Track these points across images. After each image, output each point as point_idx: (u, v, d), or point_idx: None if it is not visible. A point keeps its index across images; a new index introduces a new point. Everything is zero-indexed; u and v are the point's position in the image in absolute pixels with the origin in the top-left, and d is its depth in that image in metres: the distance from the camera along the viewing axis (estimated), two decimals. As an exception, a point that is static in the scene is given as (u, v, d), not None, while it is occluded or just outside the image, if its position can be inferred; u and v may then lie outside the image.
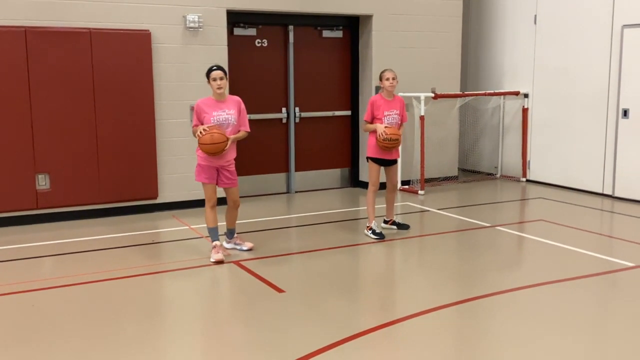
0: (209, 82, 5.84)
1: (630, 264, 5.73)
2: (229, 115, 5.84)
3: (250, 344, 4.25)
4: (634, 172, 8.40)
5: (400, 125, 6.75)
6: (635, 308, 4.76)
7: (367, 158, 6.75)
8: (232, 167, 5.99)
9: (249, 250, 6.24)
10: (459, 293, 5.12)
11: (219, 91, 5.79)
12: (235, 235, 6.32)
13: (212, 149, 5.69)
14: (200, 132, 5.68)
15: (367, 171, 6.79)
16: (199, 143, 5.71)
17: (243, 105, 5.99)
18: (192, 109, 6.59)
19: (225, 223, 6.21)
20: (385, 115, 6.57)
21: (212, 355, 4.15)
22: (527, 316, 4.60)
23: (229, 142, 5.77)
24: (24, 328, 4.46)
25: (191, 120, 6.81)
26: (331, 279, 5.52)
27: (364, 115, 6.84)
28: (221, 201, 6.22)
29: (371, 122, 6.65)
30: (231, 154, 5.94)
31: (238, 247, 6.27)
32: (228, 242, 6.31)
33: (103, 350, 4.09)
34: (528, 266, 6.00)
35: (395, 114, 6.63)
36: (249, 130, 6.02)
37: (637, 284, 5.33)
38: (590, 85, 8.88)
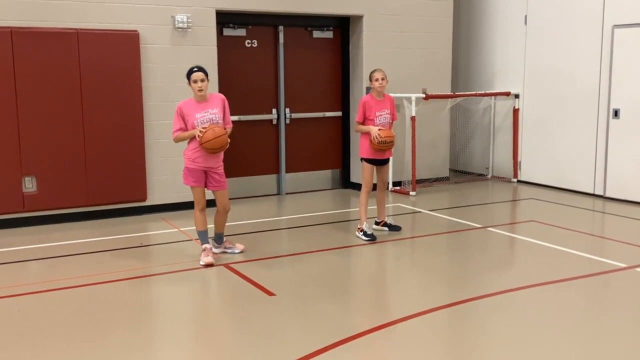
0: (189, 83, 5.73)
1: (622, 265, 5.72)
2: (213, 115, 5.73)
3: (240, 348, 4.19)
4: (625, 173, 8.41)
5: (391, 124, 6.74)
6: (627, 309, 4.74)
7: (361, 159, 6.73)
8: (221, 170, 5.90)
9: (241, 252, 6.18)
10: (451, 295, 5.08)
11: (200, 93, 5.68)
12: (225, 239, 6.24)
13: (216, 143, 5.55)
14: (200, 132, 5.56)
15: (360, 172, 6.75)
16: (202, 142, 5.55)
17: (227, 103, 5.90)
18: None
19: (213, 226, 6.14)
20: (377, 116, 6.56)
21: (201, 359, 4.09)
22: (520, 318, 4.57)
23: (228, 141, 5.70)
24: (9, 333, 4.38)
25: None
26: (322, 281, 5.47)
27: (355, 116, 6.81)
28: (211, 203, 6.16)
29: (363, 123, 6.62)
30: (221, 155, 5.87)
31: (229, 251, 6.20)
32: (217, 248, 6.19)
33: (91, 355, 4.02)
34: (520, 267, 5.98)
35: (386, 114, 6.63)
36: (231, 126, 5.95)
37: (629, 284, 5.31)
38: (581, 86, 8.88)
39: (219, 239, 6.18)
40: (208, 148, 5.59)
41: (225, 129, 5.79)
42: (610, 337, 4.28)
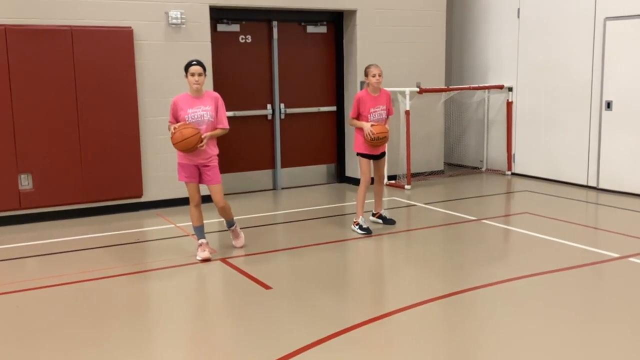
0: (186, 76, 5.75)
1: (615, 255, 5.77)
2: (205, 111, 5.74)
3: (237, 341, 4.22)
4: (618, 164, 8.46)
5: (387, 119, 6.76)
6: (621, 298, 4.79)
7: (357, 154, 6.75)
8: (213, 163, 5.88)
9: (240, 247, 6.21)
10: (446, 286, 5.12)
11: (195, 86, 5.70)
12: (235, 226, 6.25)
13: (185, 145, 5.57)
14: (172, 132, 5.62)
15: (355, 167, 6.78)
16: (173, 143, 5.64)
17: (221, 102, 5.88)
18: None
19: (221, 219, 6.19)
20: (371, 112, 6.56)
21: (199, 353, 4.11)
22: (515, 308, 4.61)
23: (205, 140, 5.67)
24: (7, 330, 4.41)
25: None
26: (318, 275, 5.51)
27: (349, 110, 6.83)
28: (207, 199, 6.18)
29: (357, 118, 6.63)
30: (210, 151, 5.85)
31: (232, 238, 6.26)
32: (228, 229, 6.32)
33: (88, 350, 4.04)
34: (514, 259, 6.02)
35: (381, 110, 6.63)
36: (227, 127, 5.91)
37: (622, 274, 5.37)
38: (574, 78, 8.93)
39: (228, 224, 6.24)
40: (177, 148, 5.64)
41: (215, 128, 5.80)
42: (604, 325, 4.33)
